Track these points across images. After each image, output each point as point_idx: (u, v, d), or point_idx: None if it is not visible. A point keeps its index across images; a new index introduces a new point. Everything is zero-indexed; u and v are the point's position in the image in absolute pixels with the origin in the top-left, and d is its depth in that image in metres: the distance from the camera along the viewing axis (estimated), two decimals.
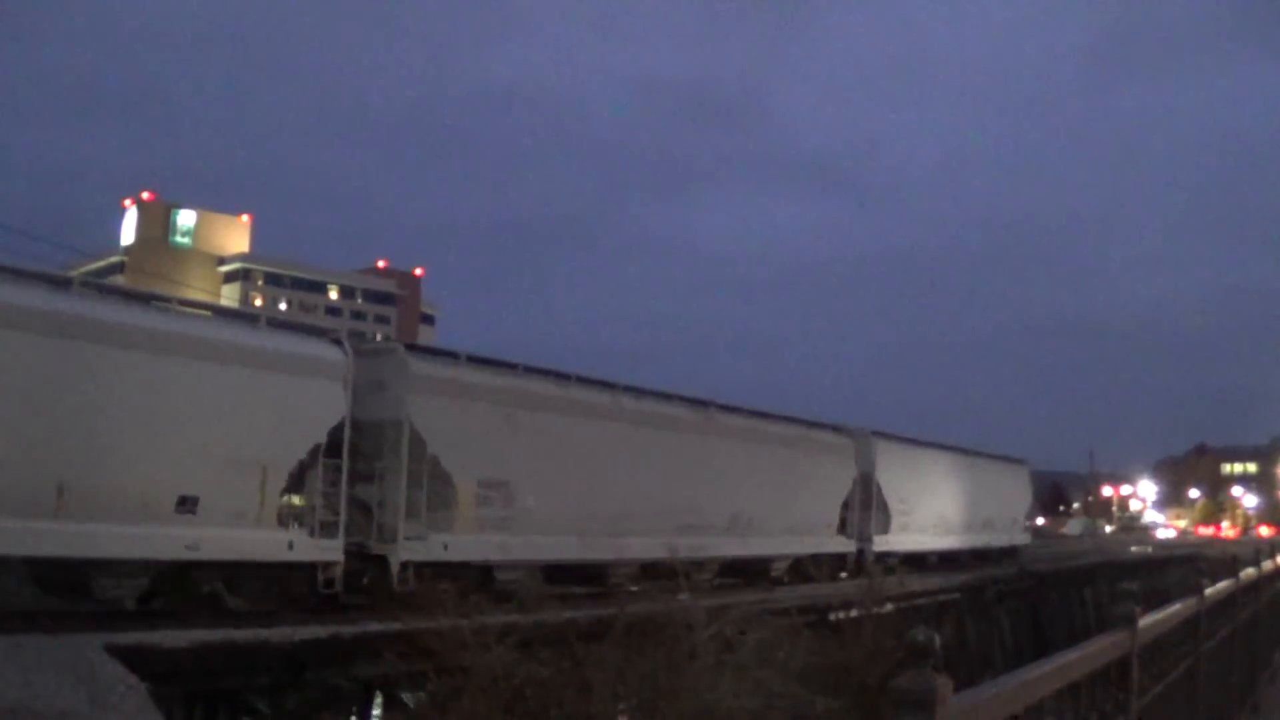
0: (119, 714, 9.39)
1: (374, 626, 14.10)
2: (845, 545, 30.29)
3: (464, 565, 18.20)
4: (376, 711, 15.07)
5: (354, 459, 17.24)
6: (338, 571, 16.56)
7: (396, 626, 13.25)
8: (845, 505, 30.57)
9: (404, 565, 17.12)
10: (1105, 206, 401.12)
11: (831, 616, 19.35)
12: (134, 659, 10.95)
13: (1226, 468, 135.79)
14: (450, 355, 20.62)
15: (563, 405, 21.29)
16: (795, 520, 27.63)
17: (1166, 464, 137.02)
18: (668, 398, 25.21)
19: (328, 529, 16.59)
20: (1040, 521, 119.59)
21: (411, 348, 22.16)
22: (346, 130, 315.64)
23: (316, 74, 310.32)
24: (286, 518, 16.52)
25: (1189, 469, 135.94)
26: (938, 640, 2.23)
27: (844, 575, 29.30)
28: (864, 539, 30.99)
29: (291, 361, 16.58)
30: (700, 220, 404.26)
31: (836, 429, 31.84)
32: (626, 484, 21.97)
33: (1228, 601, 7.36)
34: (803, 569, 28.03)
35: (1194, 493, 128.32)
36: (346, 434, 17.01)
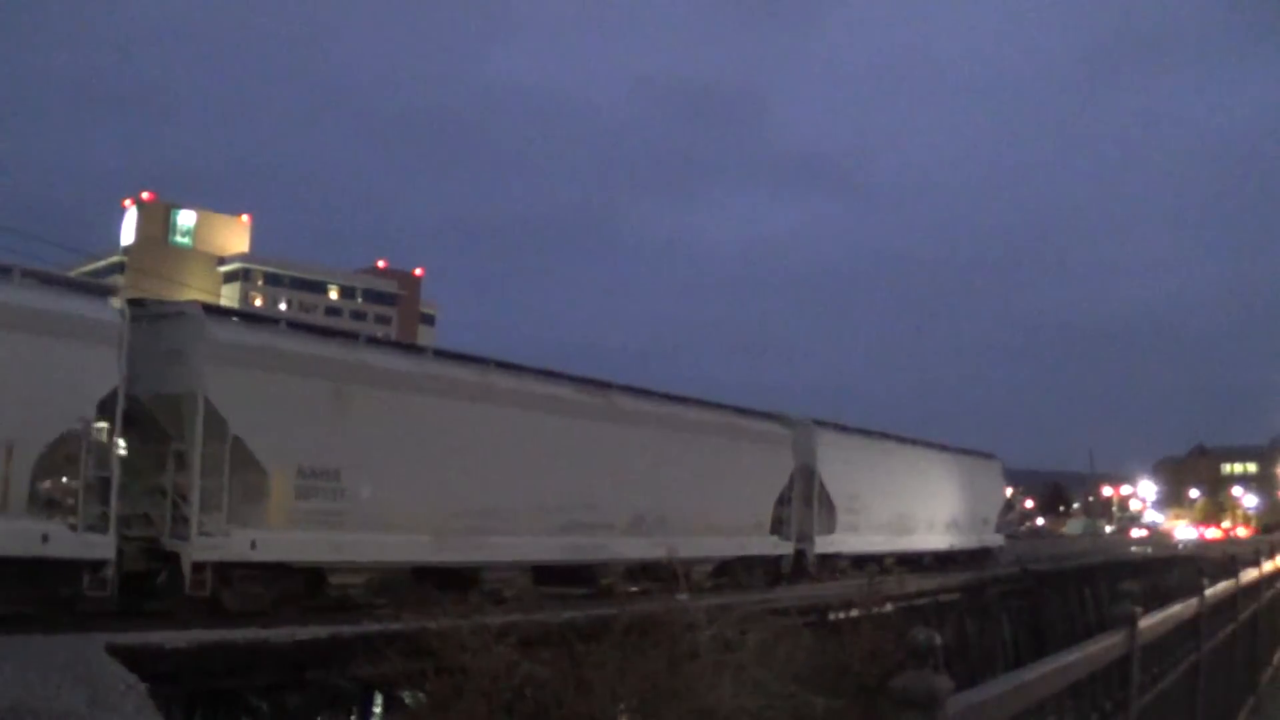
0: (119, 714, 9.38)
1: (374, 626, 14.08)
2: (780, 547, 27.44)
3: (282, 567, 16.07)
4: (376, 711, 15.05)
5: (145, 439, 15.25)
6: (109, 572, 14.17)
7: (396, 626, 13.24)
8: (781, 502, 27.83)
9: (201, 566, 14.88)
10: (1105, 207, 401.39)
11: (831, 616, 19.35)
12: (134, 659, 10.94)
13: (1226, 468, 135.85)
14: (265, 320, 18.10)
15: (413, 382, 18.54)
16: (718, 518, 24.97)
17: (1166, 464, 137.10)
18: (554, 376, 22.53)
19: (95, 521, 14.18)
20: (1040, 522, 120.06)
21: (213, 309, 19.38)
22: (347, 130, 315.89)
23: (317, 74, 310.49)
24: (47, 507, 14.28)
25: (1189, 469, 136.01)
26: (938, 640, 2.23)
27: (784, 579, 27.24)
28: (804, 539, 28.41)
29: (47, 320, 14.01)
30: (701, 221, 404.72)
31: (770, 416, 28.91)
32: (498, 475, 19.12)
33: (1228, 602, 7.36)
34: (731, 573, 25.25)
35: (1194, 493, 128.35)
36: (119, 407, 14.61)
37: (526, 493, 19.70)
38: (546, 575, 20.48)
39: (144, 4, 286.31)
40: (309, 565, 16.54)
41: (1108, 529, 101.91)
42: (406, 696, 13.77)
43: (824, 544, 29.12)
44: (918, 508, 35.06)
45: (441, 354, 21.07)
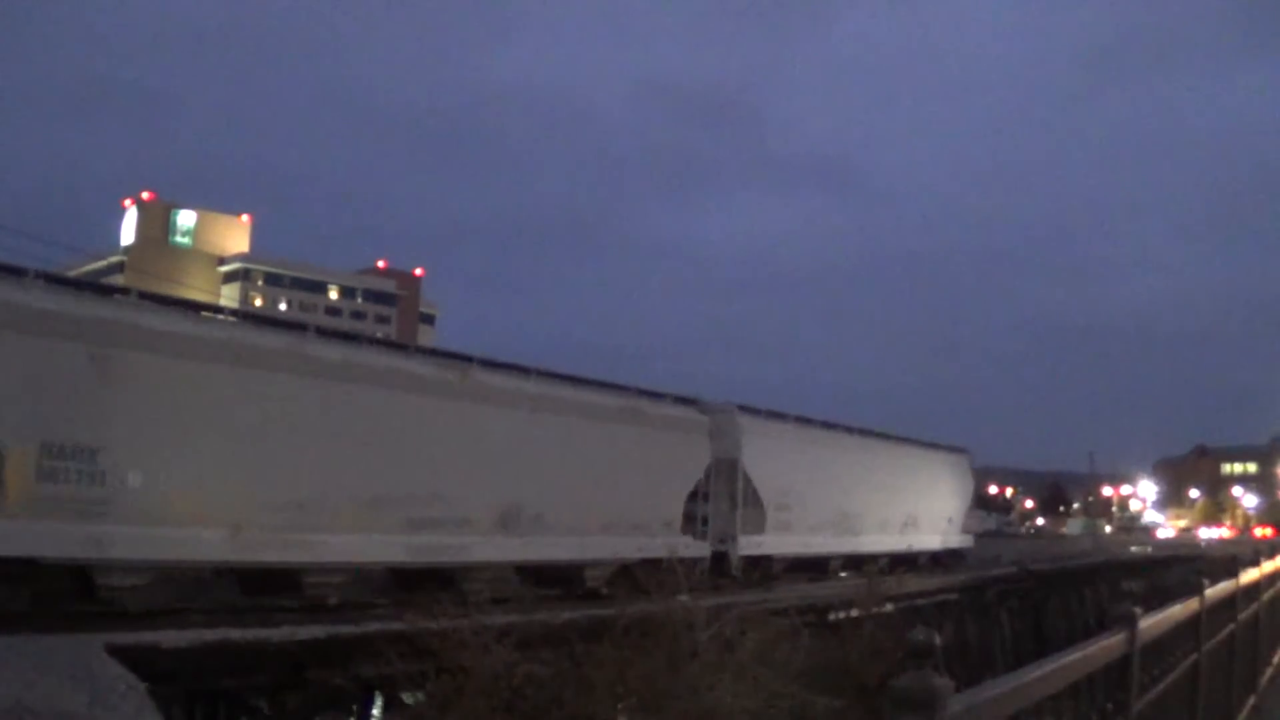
0: (119, 714, 9.39)
1: (374, 626, 14.08)
2: (693, 548, 23.66)
3: (27, 563, 13.41)
4: (376, 711, 15.04)
5: None
6: None
7: (396, 626, 13.24)
8: (695, 498, 24.95)
9: None
10: (1105, 207, 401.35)
11: (831, 616, 19.35)
12: (134, 659, 10.94)
13: (1226, 468, 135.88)
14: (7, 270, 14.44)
15: (205, 350, 15.48)
16: (614, 516, 21.86)
17: (1166, 464, 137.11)
18: (401, 349, 20.22)
19: None
20: (1041, 521, 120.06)
21: None
22: (347, 130, 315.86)
23: (318, 74, 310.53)
24: None
25: (1189, 469, 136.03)
26: (938, 640, 2.23)
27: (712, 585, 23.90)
28: (725, 539, 25.48)
29: None
30: (701, 221, 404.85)
31: (683, 401, 25.87)
32: (321, 462, 16.32)
33: (1228, 601, 7.36)
34: (634, 577, 21.11)
35: (1194, 493, 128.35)
36: None
37: (359, 483, 16.78)
38: (404, 580, 18.43)
39: (144, 4, 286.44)
40: (66, 563, 13.88)
41: (1106, 529, 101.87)
42: (406, 696, 13.77)
43: (750, 545, 26.00)
44: (867, 505, 31.64)
45: (248, 317, 18.56)
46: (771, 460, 27.11)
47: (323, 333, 19.00)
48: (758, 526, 26.48)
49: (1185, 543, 77.12)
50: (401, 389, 17.96)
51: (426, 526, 17.93)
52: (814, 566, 28.25)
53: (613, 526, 21.78)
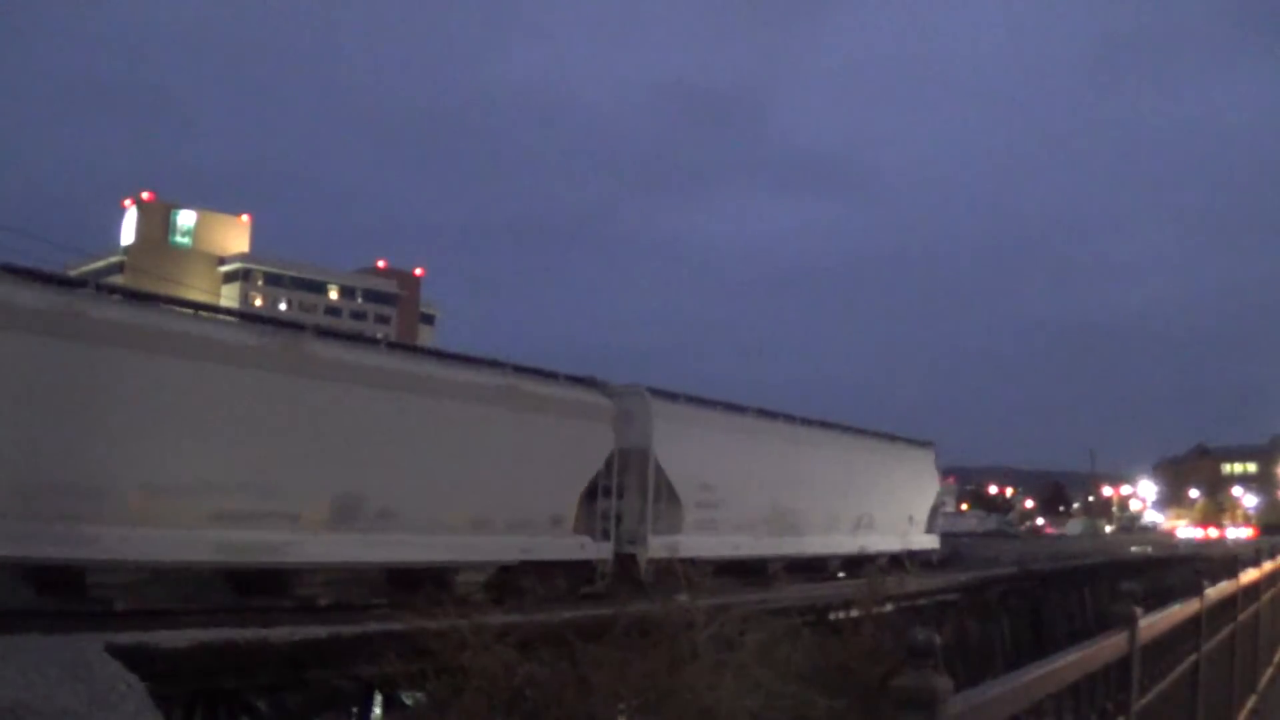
0: (119, 714, 9.39)
1: (374, 626, 14.08)
2: (591, 549, 21.40)
3: None
4: (376, 711, 15.05)
5: None
6: None
7: (396, 626, 13.24)
8: (594, 492, 21.89)
9: None
10: (1106, 207, 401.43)
11: (831, 616, 19.33)
12: (134, 659, 10.94)
13: (1226, 468, 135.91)
14: None
15: None
16: (486, 512, 19.22)
17: (1166, 464, 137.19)
18: (214, 312, 17.84)
19: None
20: (1041, 521, 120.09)
21: None
22: (348, 130, 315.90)
23: (318, 74, 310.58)
24: None
25: (1189, 469, 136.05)
26: (938, 640, 2.23)
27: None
28: (633, 540, 22.40)
29: None
30: (702, 221, 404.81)
31: (581, 382, 22.89)
32: (104, 443, 14.01)
33: (1228, 601, 7.36)
34: (516, 582, 18.32)
35: (1194, 493, 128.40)
36: None
37: (156, 468, 14.57)
38: (238, 582, 16.53)
39: (144, 5, 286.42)
40: None
41: (1107, 529, 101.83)
42: (406, 696, 13.79)
43: (664, 546, 22.42)
44: (811, 502, 28.47)
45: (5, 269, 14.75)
46: (691, 450, 24.13)
47: (108, 290, 16.58)
48: (674, 525, 23.31)
49: (1217, 546, 75.01)
50: (211, 359, 15.39)
51: (241, 521, 15.42)
52: (750, 570, 25.10)
53: (486, 524, 19.13)
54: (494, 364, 20.94)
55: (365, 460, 17.04)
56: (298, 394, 16.41)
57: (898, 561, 31.67)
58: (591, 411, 22.25)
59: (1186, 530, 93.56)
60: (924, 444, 38.08)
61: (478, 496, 19.11)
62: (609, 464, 22.19)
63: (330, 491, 16.72)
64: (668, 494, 23.34)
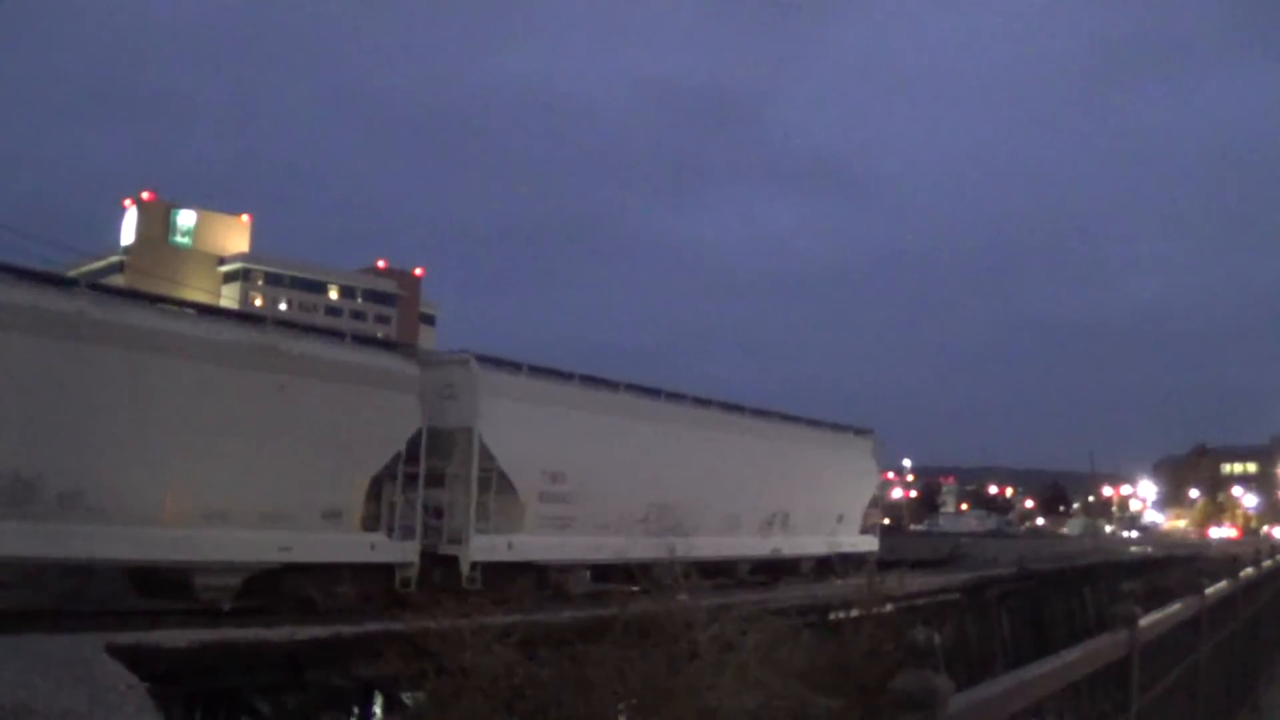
0: (119, 714, 9.39)
1: (374, 626, 14.09)
2: (387, 551, 17.87)
3: None
4: (376, 711, 15.06)
5: None
6: None
7: (396, 626, 13.25)
8: (395, 480, 18.29)
9: None
10: (1106, 208, 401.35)
11: (831, 616, 19.31)
12: (134, 659, 10.96)
13: (1226, 468, 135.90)
14: None
15: None
16: (231, 502, 15.73)
17: (1166, 464, 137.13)
18: None
19: None
20: (1041, 521, 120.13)
21: None
22: (348, 130, 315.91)
23: (319, 75, 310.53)
24: None
25: (1189, 469, 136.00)
26: (938, 640, 2.23)
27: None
28: (454, 540, 18.74)
29: None
30: (703, 222, 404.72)
31: (379, 346, 20.00)
32: None
33: (1228, 601, 7.36)
34: (291, 587, 16.27)
35: (1194, 493, 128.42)
36: None
37: None
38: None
39: (144, 6, 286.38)
40: None
41: (1108, 529, 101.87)
42: (406, 696, 13.79)
43: (494, 547, 19.09)
44: (702, 498, 24.14)
45: None
46: (534, 432, 20.22)
47: None
48: (510, 522, 19.65)
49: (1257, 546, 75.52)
50: None
51: None
52: (629, 573, 20.40)
53: (226, 517, 15.58)
54: (249, 318, 17.81)
55: (44, 434, 13.70)
56: None
57: (826, 565, 27.07)
58: (389, 380, 18.23)
59: (1219, 532, 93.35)
60: (861, 431, 33.15)
61: (214, 481, 15.52)
62: (413, 446, 18.34)
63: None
64: (500, 484, 19.36)
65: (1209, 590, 6.29)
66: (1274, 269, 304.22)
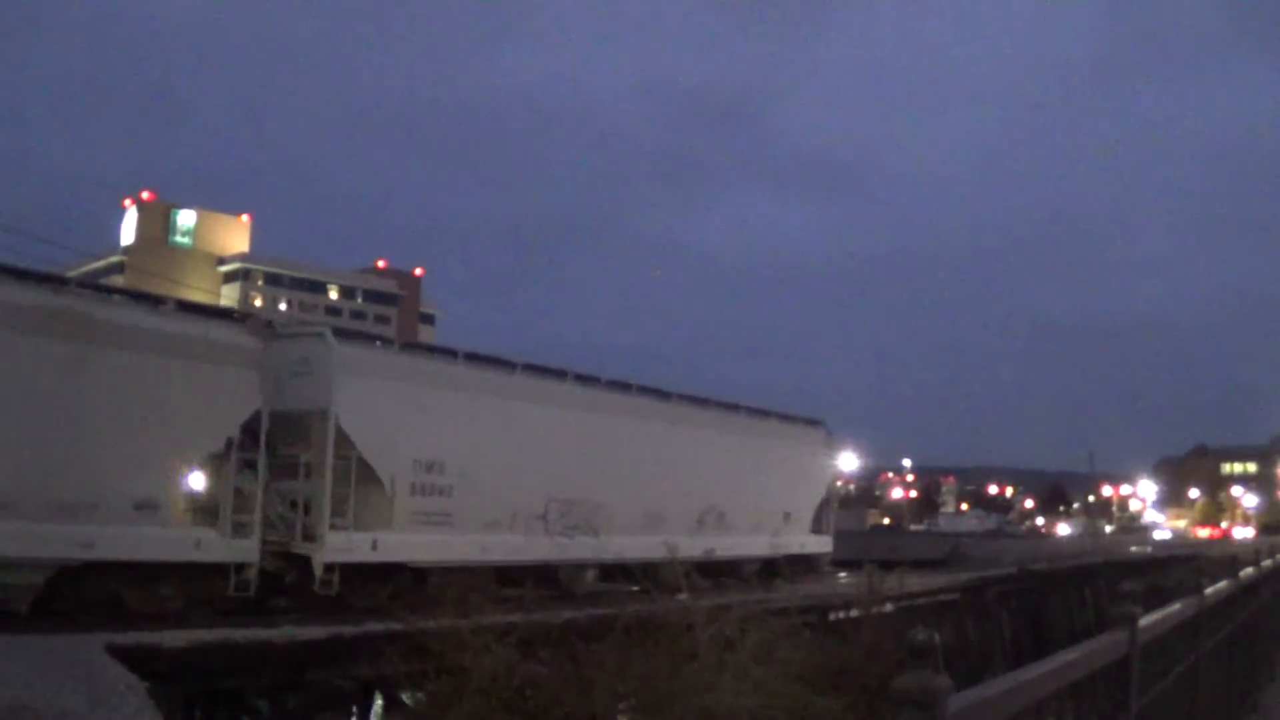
0: (119, 714, 9.39)
1: (374, 626, 14.10)
2: (212, 548, 15.59)
3: None
4: (377, 711, 15.05)
5: None
6: None
7: (396, 626, 13.25)
8: (227, 467, 16.08)
9: None
10: (1107, 209, 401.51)
11: (831, 616, 19.31)
12: (134, 659, 10.96)
13: (1226, 468, 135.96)
14: None
15: None
16: (27, 492, 13.78)
17: (1166, 464, 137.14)
18: None
19: None
20: (1040, 521, 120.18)
21: None
22: (348, 130, 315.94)
23: (319, 75, 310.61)
24: None
25: (1189, 469, 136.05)
26: (938, 640, 2.23)
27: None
28: (309, 538, 16.72)
29: None
30: (702, 222, 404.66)
31: (208, 312, 17.96)
32: None
33: (1228, 601, 7.36)
34: (95, 589, 14.42)
35: (1194, 492, 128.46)
36: None
37: None
38: None
39: (145, 6, 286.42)
40: None
41: (1107, 529, 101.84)
42: (406, 696, 13.78)
43: (356, 547, 17.03)
44: (618, 493, 21.91)
45: None
46: (404, 416, 18.13)
47: None
48: (376, 518, 17.62)
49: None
50: None
51: None
52: (545, 577, 19.28)
53: (20, 508, 13.65)
54: (46, 278, 15.41)
55: None
56: None
57: (772, 568, 24.79)
58: (219, 353, 15.99)
59: (1242, 530, 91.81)
60: (812, 422, 30.46)
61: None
62: (250, 429, 16.38)
63: None
64: (362, 475, 17.35)
65: (1209, 590, 6.29)
66: (1274, 269, 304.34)
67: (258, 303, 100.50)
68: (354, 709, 14.92)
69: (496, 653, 11.63)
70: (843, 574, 28.58)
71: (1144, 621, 4.23)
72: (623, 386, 23.76)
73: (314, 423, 17.16)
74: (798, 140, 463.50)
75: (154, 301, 16.48)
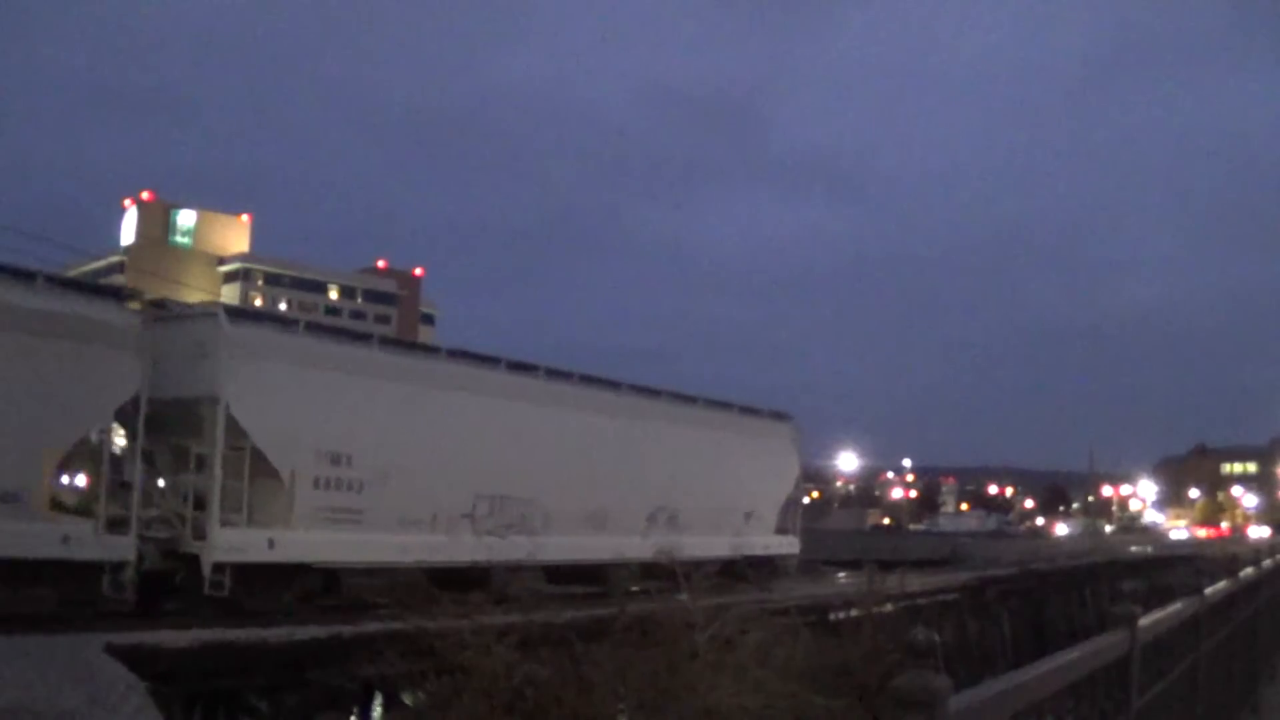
0: (119, 714, 9.39)
1: (374, 626, 14.10)
2: (83, 545, 14.36)
3: None
4: (376, 711, 15.05)
5: None
6: None
7: (396, 626, 13.25)
8: (100, 461, 15.17)
9: None
10: (1107, 209, 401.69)
11: (831, 616, 19.30)
12: (134, 659, 10.96)
13: (1226, 468, 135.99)
14: None
15: None
16: None
17: (1166, 464, 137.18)
18: None
19: None
20: (1040, 522, 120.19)
21: None
22: (348, 130, 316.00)
23: (320, 75, 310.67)
24: None
25: (1189, 469, 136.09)
26: (938, 640, 2.23)
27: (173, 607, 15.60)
28: (199, 535, 15.53)
29: None
30: (702, 223, 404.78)
31: (81, 288, 16.69)
32: None
33: (1228, 601, 7.36)
34: None
35: (1194, 492, 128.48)
36: None
37: None
38: None
39: (145, 6, 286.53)
40: None
41: (1107, 529, 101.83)
42: (406, 696, 13.78)
43: (250, 546, 15.87)
44: (557, 490, 20.59)
45: None
46: (306, 404, 16.76)
47: None
48: (274, 515, 16.41)
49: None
50: None
51: None
52: (470, 580, 15.63)
53: None
54: None
55: None
56: None
57: (731, 569, 22.41)
58: (90, 332, 14.73)
59: (1258, 530, 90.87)
60: (778, 416, 28.95)
61: None
62: (125, 416, 15.39)
63: None
64: (257, 467, 16.13)
65: (1209, 590, 6.29)
66: (1274, 269, 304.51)
67: (258, 302, 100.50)
68: (354, 709, 14.93)
69: (496, 653, 11.62)
70: (842, 574, 28.69)
71: (1144, 621, 4.22)
72: (563, 375, 22.24)
73: (205, 411, 15.89)
74: (798, 141, 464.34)
75: (25, 276, 14.95)
